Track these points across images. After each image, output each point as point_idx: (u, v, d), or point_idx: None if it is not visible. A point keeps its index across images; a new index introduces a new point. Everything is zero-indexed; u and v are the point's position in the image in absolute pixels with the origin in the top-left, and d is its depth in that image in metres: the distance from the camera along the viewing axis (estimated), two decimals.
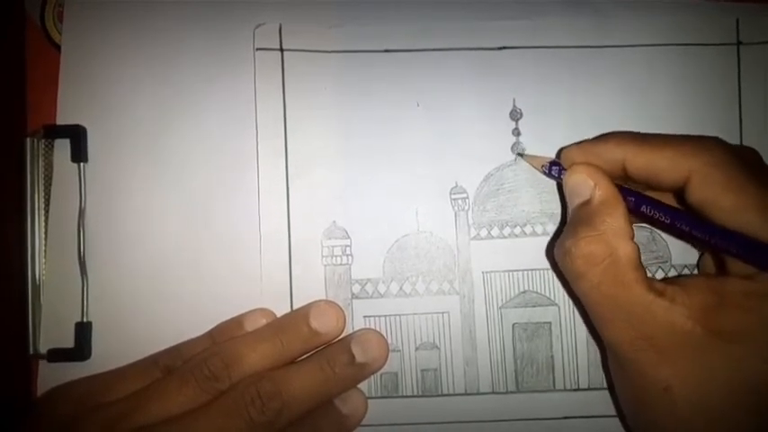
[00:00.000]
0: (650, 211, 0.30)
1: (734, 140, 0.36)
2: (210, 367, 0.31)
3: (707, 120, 0.36)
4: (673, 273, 0.35)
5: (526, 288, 0.35)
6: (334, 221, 0.35)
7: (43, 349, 0.34)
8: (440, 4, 0.36)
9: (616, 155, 0.30)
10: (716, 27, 0.36)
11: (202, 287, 0.35)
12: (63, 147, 0.35)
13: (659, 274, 0.35)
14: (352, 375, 0.33)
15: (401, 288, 0.35)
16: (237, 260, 0.35)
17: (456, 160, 0.36)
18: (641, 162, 0.30)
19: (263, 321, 0.34)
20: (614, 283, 0.28)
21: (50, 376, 0.34)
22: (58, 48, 0.36)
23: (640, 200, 0.31)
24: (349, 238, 0.35)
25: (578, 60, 0.36)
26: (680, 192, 0.30)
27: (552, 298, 0.35)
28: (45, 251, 0.35)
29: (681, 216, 0.30)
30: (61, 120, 0.35)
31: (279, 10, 0.36)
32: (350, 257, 0.35)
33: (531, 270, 0.35)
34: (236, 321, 0.34)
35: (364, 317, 0.35)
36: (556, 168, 0.33)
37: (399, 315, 0.35)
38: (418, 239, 0.35)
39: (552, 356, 0.35)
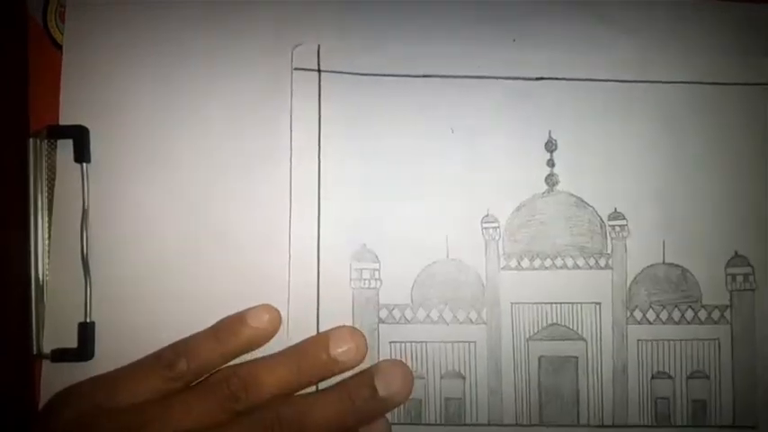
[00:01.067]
0: None
1: (762, 178, 0.36)
2: (231, 387, 0.31)
3: (741, 158, 0.36)
4: (703, 313, 0.35)
5: (554, 321, 0.35)
6: (365, 244, 0.35)
7: (47, 349, 0.34)
8: (478, 32, 0.36)
9: None
10: (749, 67, 0.36)
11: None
12: (66, 147, 0.35)
13: (689, 314, 0.35)
14: (374, 409, 0.32)
15: (428, 315, 0.35)
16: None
17: (489, 189, 0.36)
18: None
19: (266, 317, 0.33)
20: None
21: (54, 376, 0.34)
22: (61, 48, 0.35)
23: None
24: (378, 261, 0.35)
25: (616, 94, 0.36)
26: None
27: (580, 332, 0.35)
28: (48, 251, 0.35)
29: None
30: (64, 120, 0.35)
31: (318, 30, 0.36)
32: (378, 282, 0.35)
33: (560, 303, 0.35)
34: (239, 317, 0.33)
35: (390, 342, 0.35)
36: None
37: (426, 342, 0.35)
38: (447, 267, 0.35)
39: (578, 391, 0.35)
